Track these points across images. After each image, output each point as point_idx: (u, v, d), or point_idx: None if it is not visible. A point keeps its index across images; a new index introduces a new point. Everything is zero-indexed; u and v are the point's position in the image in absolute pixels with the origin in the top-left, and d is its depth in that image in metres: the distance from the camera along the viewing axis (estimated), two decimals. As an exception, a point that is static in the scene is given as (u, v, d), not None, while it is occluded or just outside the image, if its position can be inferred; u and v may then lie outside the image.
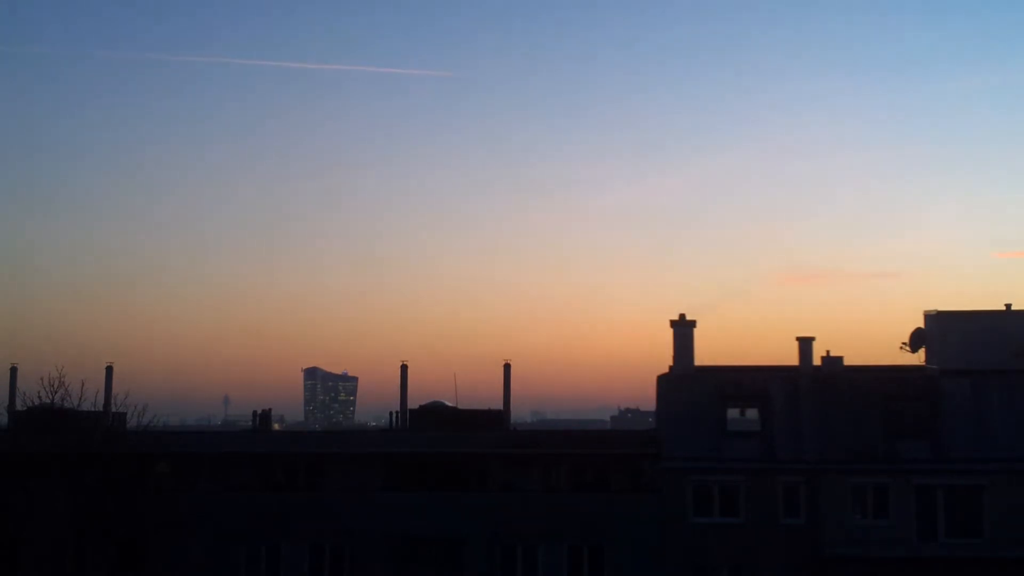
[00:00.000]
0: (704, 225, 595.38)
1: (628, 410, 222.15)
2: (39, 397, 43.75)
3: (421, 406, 48.49)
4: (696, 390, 43.31)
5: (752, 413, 43.03)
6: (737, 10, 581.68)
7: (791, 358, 44.65)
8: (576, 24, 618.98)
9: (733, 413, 43.01)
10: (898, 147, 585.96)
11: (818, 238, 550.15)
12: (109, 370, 48.00)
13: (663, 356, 45.17)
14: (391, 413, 51.53)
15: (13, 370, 48.83)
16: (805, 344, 44.39)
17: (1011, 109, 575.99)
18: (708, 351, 52.21)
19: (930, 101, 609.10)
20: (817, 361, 44.44)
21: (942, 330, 44.32)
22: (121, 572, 41.65)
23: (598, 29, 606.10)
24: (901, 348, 46.10)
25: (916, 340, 45.79)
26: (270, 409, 53.88)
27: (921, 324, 45.90)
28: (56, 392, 43.18)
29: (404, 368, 49.91)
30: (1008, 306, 44.17)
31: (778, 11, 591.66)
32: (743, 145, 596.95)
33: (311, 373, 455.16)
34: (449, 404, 49.11)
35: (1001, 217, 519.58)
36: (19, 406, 46.55)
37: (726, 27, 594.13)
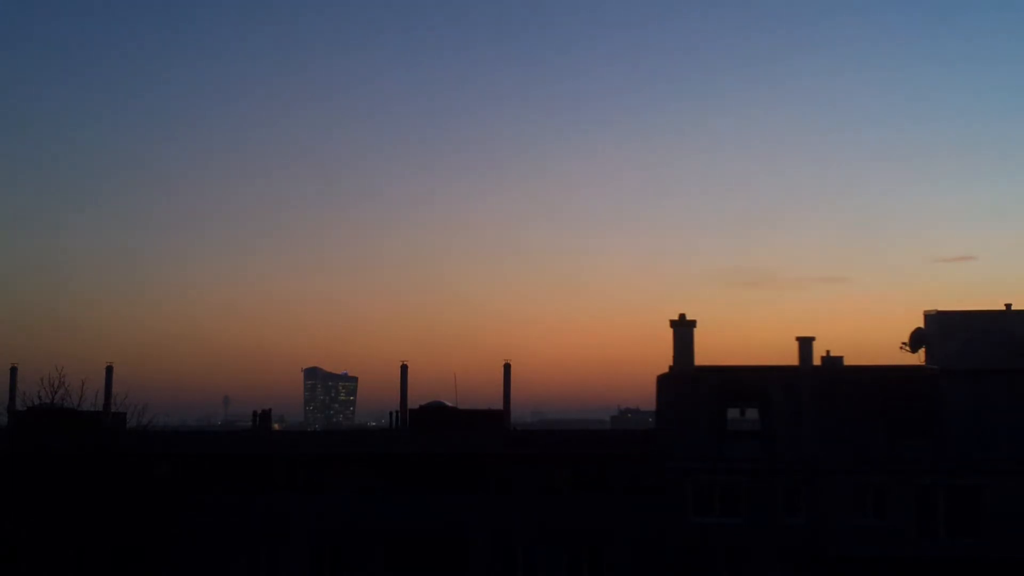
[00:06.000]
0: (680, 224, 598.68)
1: (628, 410, 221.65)
2: (39, 397, 43.77)
3: (421, 406, 48.38)
4: (696, 390, 43.29)
5: (752, 413, 43.04)
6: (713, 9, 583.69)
7: (791, 358, 44.65)
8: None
9: (733, 413, 43.04)
10: (847, 149, 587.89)
11: (766, 242, 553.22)
12: (109, 370, 47.90)
13: (663, 356, 45.22)
14: (391, 413, 51.37)
15: (13, 370, 48.72)
16: (805, 344, 44.37)
17: (956, 113, 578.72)
18: (708, 351, 52.24)
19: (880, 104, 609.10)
20: (817, 361, 44.44)
21: (942, 330, 44.30)
22: (121, 572, 41.60)
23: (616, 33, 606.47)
24: (901, 348, 46.09)
25: (916, 340, 45.72)
26: (270, 409, 53.75)
27: (920, 324, 45.87)
28: (56, 392, 43.23)
29: (404, 368, 49.77)
30: (1008, 306, 44.17)
31: (751, 12, 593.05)
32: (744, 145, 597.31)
33: (311, 373, 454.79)
34: (449, 404, 49.02)
35: (942, 224, 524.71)
36: (19, 406, 46.48)
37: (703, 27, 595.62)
